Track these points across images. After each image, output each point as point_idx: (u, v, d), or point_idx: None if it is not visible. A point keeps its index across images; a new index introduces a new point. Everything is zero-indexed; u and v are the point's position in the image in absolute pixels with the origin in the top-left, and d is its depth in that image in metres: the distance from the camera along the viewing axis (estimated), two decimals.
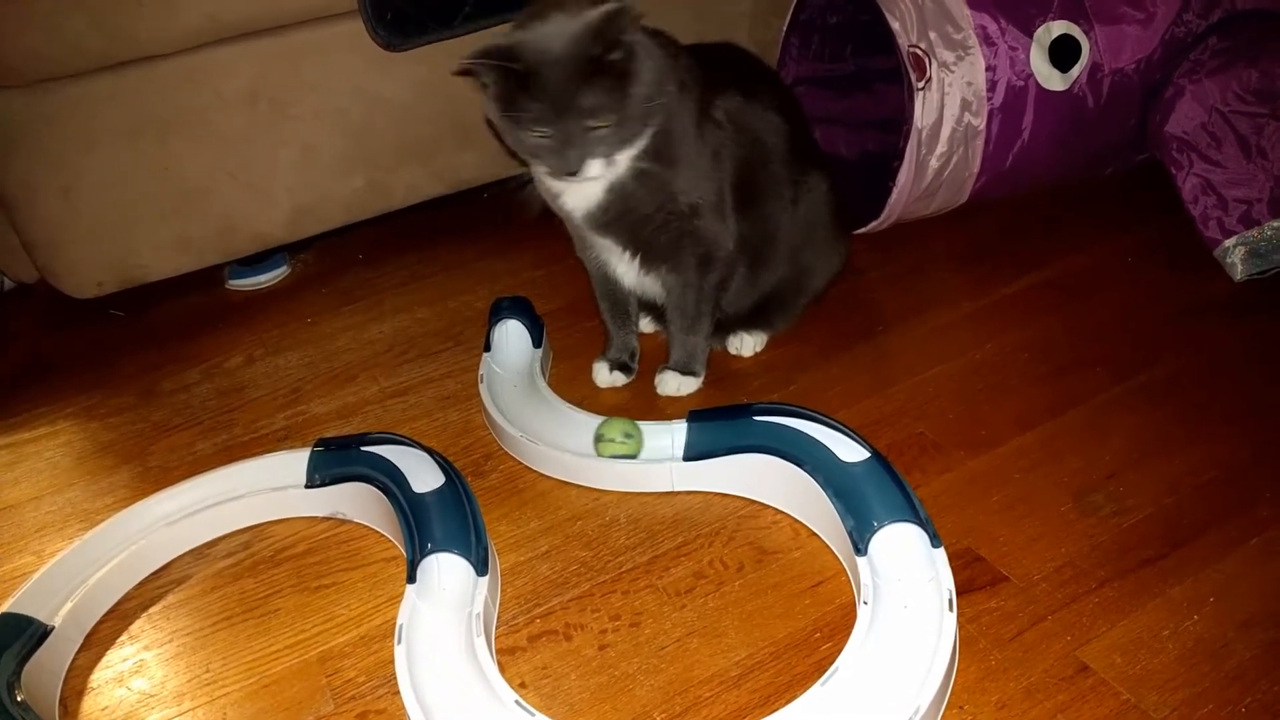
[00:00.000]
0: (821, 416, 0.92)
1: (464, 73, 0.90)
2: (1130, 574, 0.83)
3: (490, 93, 0.92)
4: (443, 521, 0.87)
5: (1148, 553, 0.85)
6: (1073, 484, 0.93)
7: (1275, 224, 1.15)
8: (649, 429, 0.99)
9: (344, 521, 0.99)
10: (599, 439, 0.99)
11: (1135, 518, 0.88)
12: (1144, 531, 0.87)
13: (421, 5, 1.28)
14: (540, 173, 0.97)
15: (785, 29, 1.42)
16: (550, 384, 1.12)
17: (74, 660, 0.88)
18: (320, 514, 1.00)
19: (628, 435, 0.98)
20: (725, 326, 1.17)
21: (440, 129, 1.45)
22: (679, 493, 0.97)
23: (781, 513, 0.93)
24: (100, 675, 0.86)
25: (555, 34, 0.87)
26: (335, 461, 0.98)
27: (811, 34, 1.43)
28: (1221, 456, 0.95)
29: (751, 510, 0.94)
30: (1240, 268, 1.18)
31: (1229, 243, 1.18)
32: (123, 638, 0.90)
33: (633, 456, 0.98)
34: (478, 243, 1.55)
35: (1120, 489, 0.92)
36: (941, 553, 0.78)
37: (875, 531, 0.80)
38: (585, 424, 1.02)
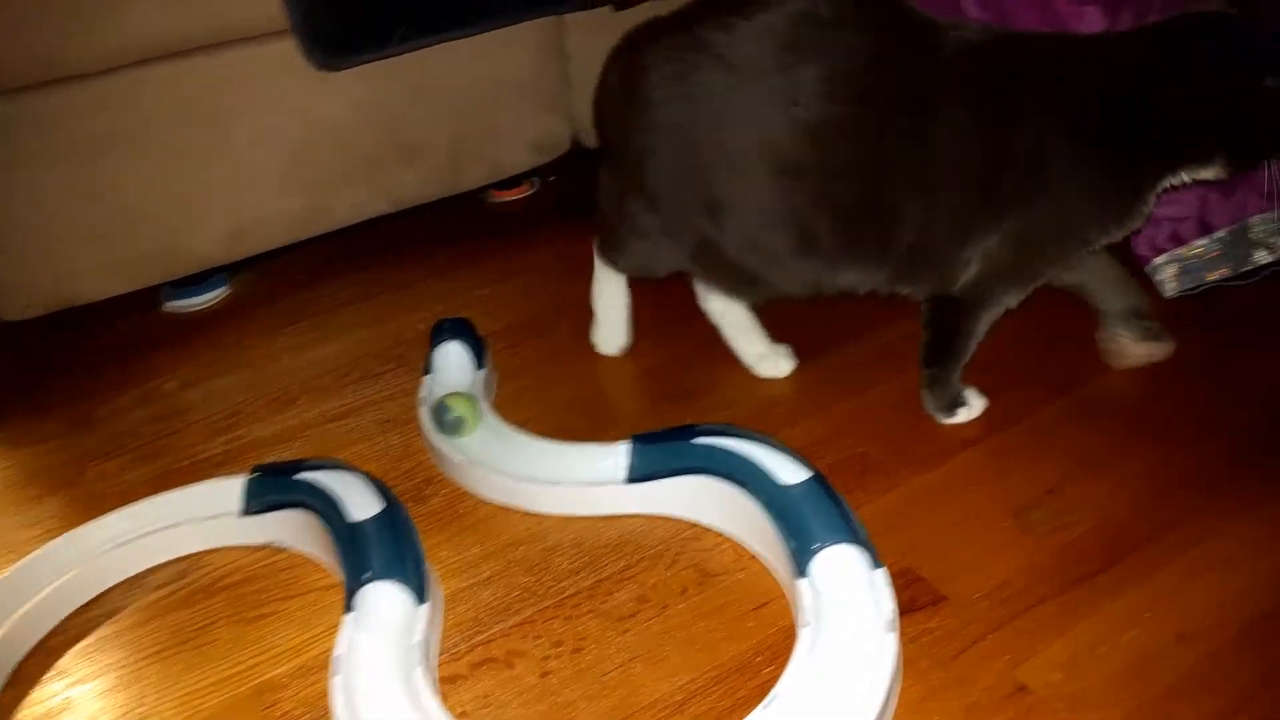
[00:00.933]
0: (763, 437, 0.92)
1: None
2: (1068, 590, 0.84)
3: None
4: (381, 549, 0.85)
5: (1085, 569, 0.86)
6: (1013, 501, 0.94)
7: (1203, 242, 1.18)
8: (593, 451, 0.98)
9: (282, 549, 0.97)
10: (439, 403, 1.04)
11: (1073, 534, 0.90)
12: (1081, 547, 0.88)
13: (354, 26, 1.26)
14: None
15: None
16: (495, 405, 1.11)
17: None
18: (257, 542, 0.98)
19: (456, 421, 1.03)
20: None
21: (382, 147, 1.43)
22: (622, 516, 0.96)
23: (725, 535, 0.93)
24: (25, 715, 0.83)
25: None
26: (271, 488, 0.96)
27: None
28: (1155, 472, 0.96)
29: (695, 533, 0.94)
30: (1170, 285, 1.20)
31: (1159, 260, 1.21)
32: (50, 674, 0.87)
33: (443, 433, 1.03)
34: (423, 261, 1.53)
35: (1059, 505, 0.93)
36: (882, 573, 0.79)
37: (816, 553, 0.80)
38: (529, 447, 1.01)
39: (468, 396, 1.04)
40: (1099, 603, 0.82)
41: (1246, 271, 1.20)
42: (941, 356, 1.05)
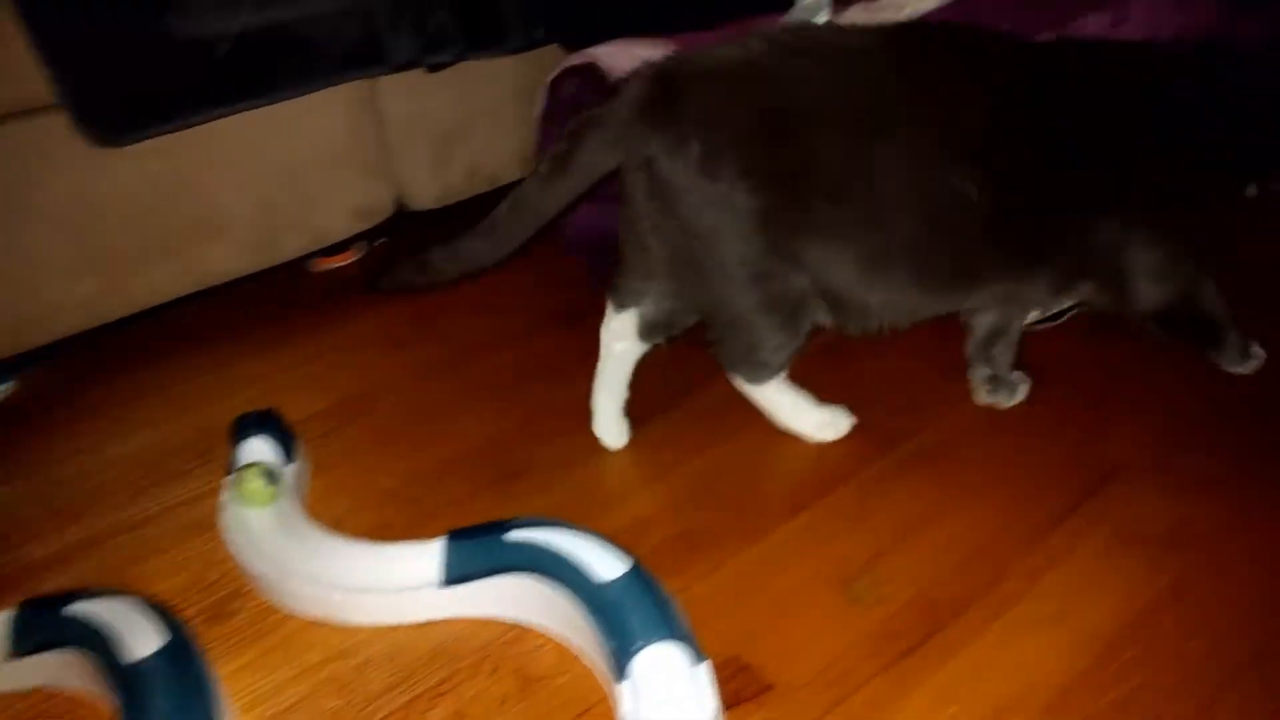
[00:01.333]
0: (580, 528, 0.88)
1: None
2: (892, 666, 0.83)
3: None
4: (160, 692, 0.77)
5: (907, 642, 0.85)
6: (838, 571, 0.93)
7: None
8: (407, 553, 0.92)
9: (58, 691, 0.87)
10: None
11: (896, 604, 0.89)
12: (903, 619, 0.87)
13: (136, 98, 1.18)
14: None
15: (539, 117, 1.38)
16: (307, 501, 1.04)
17: None
18: (26, 686, 0.87)
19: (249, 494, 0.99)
20: None
21: (182, 222, 1.34)
22: (439, 621, 0.90)
23: (549, 634, 0.88)
24: None
25: None
26: (39, 626, 0.86)
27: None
28: (972, 530, 0.97)
29: (517, 634, 0.89)
30: None
31: None
32: None
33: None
34: (238, 340, 1.44)
35: (882, 573, 0.92)
36: (704, 668, 0.76)
37: (635, 654, 0.76)
38: (339, 552, 0.95)
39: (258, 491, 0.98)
40: (922, 677, 0.81)
41: (1055, 314, 1.24)
42: (1212, 341, 1.11)
